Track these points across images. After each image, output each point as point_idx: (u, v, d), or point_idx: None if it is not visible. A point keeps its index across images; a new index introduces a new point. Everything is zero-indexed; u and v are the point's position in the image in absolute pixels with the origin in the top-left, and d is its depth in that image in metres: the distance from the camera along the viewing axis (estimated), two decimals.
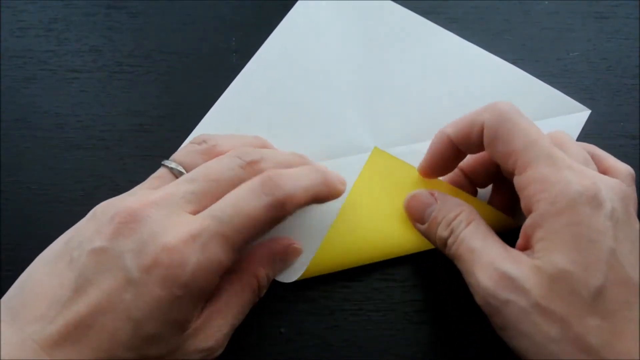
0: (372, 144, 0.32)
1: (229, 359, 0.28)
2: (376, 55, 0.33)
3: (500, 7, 0.35)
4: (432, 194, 0.28)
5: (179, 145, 0.31)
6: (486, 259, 0.23)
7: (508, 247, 0.24)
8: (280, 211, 0.24)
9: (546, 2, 0.35)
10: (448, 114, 0.32)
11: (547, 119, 0.32)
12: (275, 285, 0.28)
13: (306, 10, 0.34)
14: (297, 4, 0.34)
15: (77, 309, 0.21)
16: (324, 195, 0.26)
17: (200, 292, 0.22)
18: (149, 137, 0.32)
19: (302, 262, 0.29)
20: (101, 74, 0.33)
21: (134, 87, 0.33)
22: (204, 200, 0.24)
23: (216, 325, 0.24)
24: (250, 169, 0.25)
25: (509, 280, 0.22)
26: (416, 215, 0.28)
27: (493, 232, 0.25)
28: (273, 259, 0.27)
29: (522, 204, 0.24)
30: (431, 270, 0.29)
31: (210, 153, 0.26)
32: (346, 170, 0.31)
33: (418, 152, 0.31)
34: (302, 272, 0.29)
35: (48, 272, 0.23)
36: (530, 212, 0.23)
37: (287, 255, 0.28)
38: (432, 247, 0.29)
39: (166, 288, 0.21)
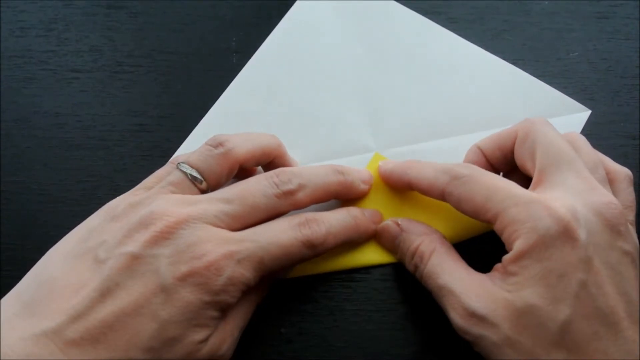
0: (373, 145, 0.32)
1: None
2: (376, 55, 0.33)
3: (500, 7, 0.35)
4: (398, 224, 0.28)
5: (179, 145, 0.31)
6: (455, 300, 0.24)
7: (475, 275, 0.25)
8: (313, 252, 0.26)
9: (546, 2, 0.35)
10: (449, 115, 0.32)
11: (547, 119, 0.32)
12: (275, 285, 0.28)
13: (305, 10, 0.34)
14: (296, 4, 0.34)
15: (103, 311, 0.21)
16: (353, 240, 0.28)
17: (224, 304, 0.23)
18: (149, 137, 0.32)
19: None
20: (101, 74, 0.33)
21: (134, 87, 0.33)
22: (235, 223, 0.25)
23: (228, 330, 0.24)
24: (286, 199, 0.26)
25: (478, 319, 0.23)
26: (388, 247, 0.29)
27: (457, 258, 0.26)
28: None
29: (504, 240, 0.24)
30: None
31: (227, 158, 0.26)
32: None
33: (418, 152, 0.31)
34: (293, 269, 0.29)
35: (68, 270, 0.23)
36: (510, 247, 0.24)
37: None
38: None
39: (197, 294, 0.22)
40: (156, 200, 0.24)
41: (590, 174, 0.25)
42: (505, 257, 0.24)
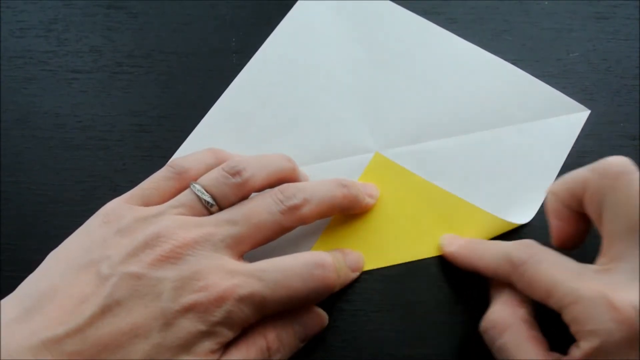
0: (372, 145, 0.32)
1: None
2: (376, 56, 0.33)
3: (500, 7, 0.35)
4: None
5: (179, 146, 0.31)
6: None
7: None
8: (316, 299, 0.25)
9: (546, 2, 0.35)
10: (448, 115, 0.32)
11: (546, 119, 0.32)
12: None
13: (306, 11, 0.34)
14: (297, 4, 0.34)
15: (102, 328, 0.21)
16: (334, 291, 0.27)
17: (221, 337, 0.23)
18: (149, 137, 0.32)
19: None
20: (101, 74, 0.33)
21: (134, 87, 0.33)
22: (242, 245, 0.24)
23: None
24: (292, 215, 0.25)
25: None
26: None
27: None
28: (290, 322, 0.26)
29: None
30: (431, 271, 0.29)
31: (243, 188, 0.26)
32: (346, 171, 0.31)
33: (418, 153, 0.31)
34: None
35: (70, 280, 0.23)
36: (577, 342, 0.22)
37: (308, 321, 0.26)
38: (429, 255, 0.29)
39: (195, 323, 0.22)
40: (164, 220, 0.24)
41: None
42: (573, 353, 0.22)
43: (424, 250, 0.29)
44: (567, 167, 0.31)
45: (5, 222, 0.30)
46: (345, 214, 0.30)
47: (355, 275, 0.29)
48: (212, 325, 0.22)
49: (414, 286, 0.29)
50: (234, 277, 0.23)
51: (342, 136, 0.32)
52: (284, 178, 0.28)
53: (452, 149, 0.31)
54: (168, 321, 0.22)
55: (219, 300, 0.22)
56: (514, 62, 0.33)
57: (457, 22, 0.34)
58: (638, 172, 0.23)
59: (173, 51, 0.34)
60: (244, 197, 0.26)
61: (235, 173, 0.25)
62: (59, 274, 0.23)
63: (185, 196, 0.25)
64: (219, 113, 0.32)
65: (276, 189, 0.26)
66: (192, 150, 0.31)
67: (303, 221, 0.26)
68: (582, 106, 0.32)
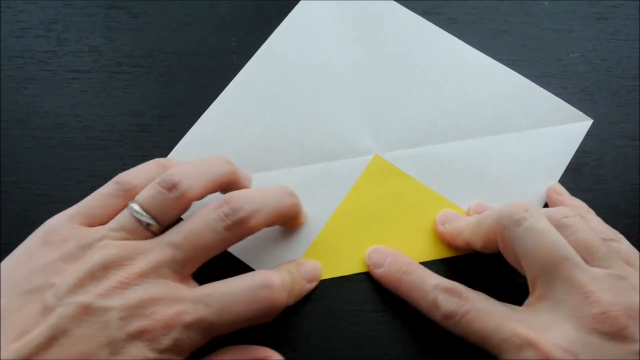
0: (372, 147, 0.31)
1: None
2: (378, 57, 0.33)
3: (500, 8, 0.35)
4: None
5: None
6: None
7: None
8: (263, 319, 0.25)
9: (546, 3, 0.35)
10: (449, 119, 0.32)
11: (548, 127, 0.32)
12: None
13: (307, 10, 0.34)
14: (300, 4, 0.34)
15: (48, 358, 0.21)
16: (288, 304, 0.26)
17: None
18: (149, 137, 0.32)
19: None
20: (101, 74, 0.33)
21: (134, 87, 0.33)
22: (188, 268, 0.24)
23: None
24: (239, 229, 0.25)
25: None
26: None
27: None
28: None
29: None
30: (429, 270, 0.29)
31: (181, 201, 0.25)
32: (345, 172, 0.31)
33: (417, 156, 0.31)
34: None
35: (16, 307, 0.22)
36: None
37: None
38: (425, 259, 0.29)
39: (143, 351, 0.22)
40: (108, 247, 0.24)
41: (591, 254, 0.24)
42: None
43: (419, 254, 0.29)
44: (567, 168, 0.31)
45: (5, 222, 0.30)
46: (289, 225, 0.29)
47: (311, 285, 0.29)
48: (160, 352, 0.22)
49: None
50: (180, 304, 0.23)
51: (341, 137, 0.32)
52: (225, 183, 0.27)
53: (452, 154, 0.31)
54: (116, 349, 0.22)
55: (166, 328, 0.22)
56: (514, 63, 0.33)
57: (457, 22, 0.34)
58: (535, 215, 0.25)
59: (173, 51, 0.34)
60: (185, 209, 0.25)
61: (172, 187, 0.24)
62: (5, 297, 0.23)
63: (124, 218, 0.25)
64: (217, 112, 0.32)
65: (222, 200, 0.25)
66: (189, 147, 0.31)
67: (250, 233, 0.25)
68: (584, 115, 0.32)
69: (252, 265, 0.29)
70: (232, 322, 0.24)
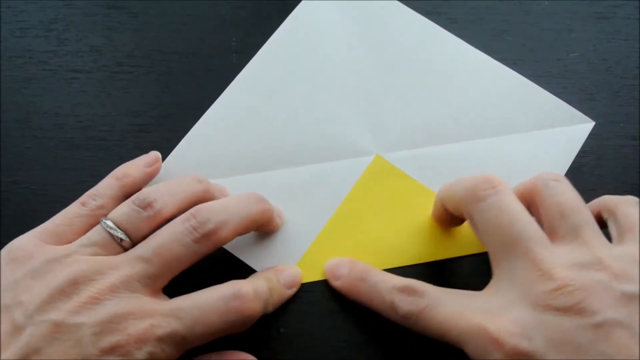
0: (373, 148, 0.31)
1: None
2: (380, 57, 0.33)
3: (500, 8, 0.35)
4: None
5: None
6: None
7: None
8: (238, 329, 0.24)
9: (546, 3, 0.35)
10: (451, 121, 0.32)
11: (548, 129, 0.32)
12: None
13: (309, 10, 0.34)
14: (302, 3, 0.34)
15: None
16: (267, 311, 0.27)
17: None
18: (149, 137, 0.32)
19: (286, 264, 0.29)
20: (101, 74, 0.33)
21: (134, 87, 0.33)
22: (159, 281, 0.24)
23: None
24: (208, 241, 0.25)
25: None
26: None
27: None
28: None
29: None
30: (431, 271, 0.29)
31: (155, 220, 0.25)
32: (345, 173, 0.31)
33: (418, 157, 0.31)
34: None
35: None
36: None
37: None
38: (426, 260, 0.29)
39: None
40: (77, 262, 0.24)
41: (563, 217, 0.23)
42: None
43: (420, 255, 0.29)
44: (568, 169, 0.31)
45: (5, 222, 0.30)
46: (262, 230, 0.29)
47: (291, 292, 0.29)
48: None
49: None
50: (152, 318, 0.23)
51: (342, 138, 0.32)
52: (197, 201, 0.27)
53: (453, 155, 0.31)
54: None
55: (139, 342, 0.22)
56: (514, 63, 0.33)
57: (457, 22, 0.34)
58: (501, 192, 0.24)
59: (173, 51, 0.34)
60: (158, 228, 0.25)
61: (146, 206, 0.25)
62: None
63: (97, 234, 0.25)
64: (219, 110, 0.32)
65: (188, 213, 0.25)
66: (190, 147, 0.31)
67: (220, 244, 0.25)
68: (586, 117, 0.32)
69: (252, 265, 0.29)
70: (206, 334, 0.24)
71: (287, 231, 0.30)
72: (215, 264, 0.27)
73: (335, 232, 0.30)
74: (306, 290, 0.29)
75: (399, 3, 0.34)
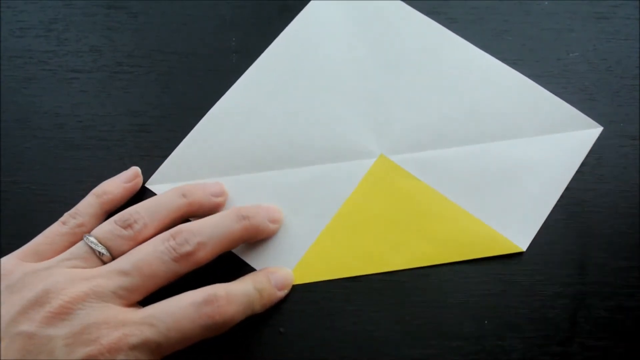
0: (377, 149, 0.31)
1: (228, 358, 0.28)
2: (386, 59, 0.33)
3: (500, 8, 0.35)
4: None
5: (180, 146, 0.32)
6: None
7: None
8: (214, 333, 0.25)
9: (546, 3, 0.35)
10: (456, 124, 0.32)
11: (555, 134, 0.31)
12: None
13: (317, 10, 0.34)
14: (310, 4, 0.34)
15: None
16: (256, 312, 0.27)
17: None
18: (149, 137, 0.32)
19: (286, 265, 0.29)
20: (101, 74, 0.33)
21: (134, 87, 0.33)
22: (135, 295, 0.24)
23: None
24: (186, 261, 0.25)
25: None
26: None
27: None
28: None
29: None
30: (431, 272, 0.29)
31: (137, 239, 0.26)
32: (348, 173, 0.31)
33: (423, 160, 0.31)
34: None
35: None
36: None
37: None
38: (429, 263, 0.29)
39: None
40: (53, 274, 0.24)
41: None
42: None
43: (422, 257, 0.29)
44: None
45: (5, 222, 0.30)
46: (251, 241, 0.29)
47: (282, 293, 0.28)
48: None
49: (414, 286, 0.29)
50: (124, 327, 0.23)
51: (346, 139, 0.31)
52: (180, 217, 0.28)
53: (457, 159, 0.31)
54: None
55: (112, 352, 0.22)
56: (514, 62, 0.33)
57: (457, 22, 0.34)
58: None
59: (173, 51, 0.34)
60: (138, 245, 0.26)
61: (128, 226, 0.26)
62: None
63: (78, 248, 0.25)
64: (223, 109, 0.32)
65: (168, 233, 0.26)
66: (191, 147, 0.31)
67: (199, 265, 0.26)
68: (594, 122, 0.32)
69: (253, 265, 0.29)
70: (180, 340, 0.24)
71: (288, 231, 0.30)
72: (216, 263, 0.27)
73: (337, 232, 0.30)
74: (306, 290, 0.29)
75: (402, 3, 0.34)
